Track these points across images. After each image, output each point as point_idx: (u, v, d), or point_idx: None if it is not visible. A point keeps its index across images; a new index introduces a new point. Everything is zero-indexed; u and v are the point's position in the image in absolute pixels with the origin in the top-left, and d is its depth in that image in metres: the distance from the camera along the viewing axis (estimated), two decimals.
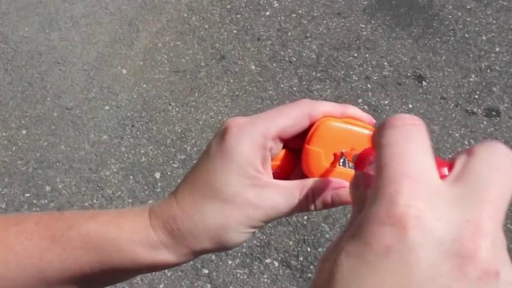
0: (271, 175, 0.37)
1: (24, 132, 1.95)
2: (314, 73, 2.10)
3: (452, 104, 1.98)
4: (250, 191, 0.35)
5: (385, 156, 0.23)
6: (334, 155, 0.37)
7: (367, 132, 0.37)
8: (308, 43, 2.22)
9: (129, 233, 0.35)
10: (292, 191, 0.36)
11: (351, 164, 0.37)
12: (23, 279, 0.35)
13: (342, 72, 2.10)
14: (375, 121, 0.39)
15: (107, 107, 2.02)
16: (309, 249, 1.58)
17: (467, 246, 0.19)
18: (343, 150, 0.37)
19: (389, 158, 0.22)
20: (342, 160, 0.37)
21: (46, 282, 0.36)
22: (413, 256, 0.19)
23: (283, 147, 0.39)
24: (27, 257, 0.35)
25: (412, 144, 0.23)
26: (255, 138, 0.35)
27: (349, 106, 0.38)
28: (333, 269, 0.21)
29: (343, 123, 0.37)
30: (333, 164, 0.37)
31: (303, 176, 0.38)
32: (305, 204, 0.36)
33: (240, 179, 0.35)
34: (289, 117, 0.36)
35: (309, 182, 0.36)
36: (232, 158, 0.35)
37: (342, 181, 0.37)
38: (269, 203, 0.35)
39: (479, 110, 1.97)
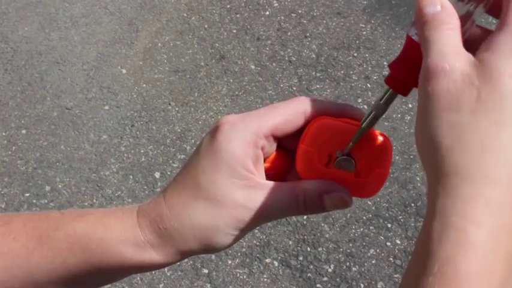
0: (264, 175, 0.35)
1: (23, 132, 1.95)
2: (314, 73, 2.10)
3: None
4: (239, 191, 0.33)
5: None
6: (329, 155, 0.35)
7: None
8: (308, 43, 2.22)
9: (115, 232, 0.34)
10: (283, 193, 0.34)
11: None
12: (11, 281, 0.34)
13: (342, 72, 2.10)
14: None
15: (106, 107, 2.02)
16: (308, 249, 1.58)
17: None
18: (339, 152, 0.35)
19: None
20: (336, 161, 0.35)
21: (34, 284, 0.35)
22: None
23: (280, 148, 0.37)
24: (14, 259, 0.34)
25: None
26: (246, 136, 0.33)
27: (348, 105, 0.36)
28: None
29: (340, 123, 0.35)
30: (328, 165, 0.35)
31: (299, 178, 0.36)
32: (296, 207, 0.34)
33: (229, 179, 0.33)
34: (282, 115, 0.35)
35: (300, 184, 0.35)
36: (222, 157, 0.33)
37: (335, 184, 0.35)
38: (259, 205, 0.33)
39: None
